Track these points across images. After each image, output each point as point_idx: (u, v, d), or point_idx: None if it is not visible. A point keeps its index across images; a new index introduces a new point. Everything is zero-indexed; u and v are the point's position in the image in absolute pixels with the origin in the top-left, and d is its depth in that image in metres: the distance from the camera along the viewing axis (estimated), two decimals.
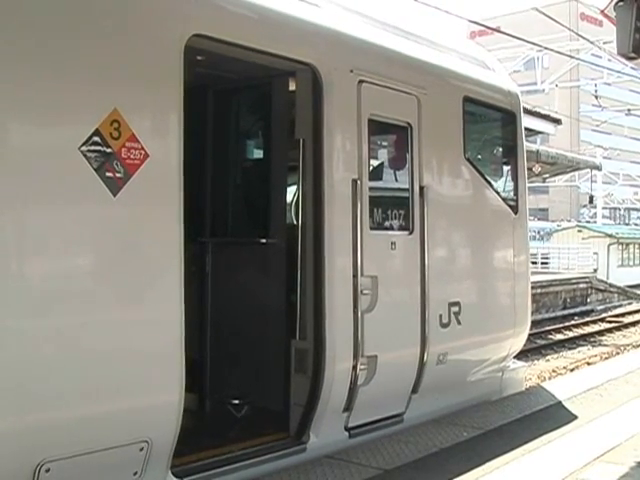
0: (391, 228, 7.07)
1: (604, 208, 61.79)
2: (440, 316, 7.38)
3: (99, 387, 4.66)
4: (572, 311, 28.45)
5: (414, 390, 7.23)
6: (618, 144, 73.16)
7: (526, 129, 10.21)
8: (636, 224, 70.03)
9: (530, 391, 9.30)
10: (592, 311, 29.40)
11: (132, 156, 4.80)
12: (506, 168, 9.09)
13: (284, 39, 6.10)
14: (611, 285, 34.02)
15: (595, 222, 57.00)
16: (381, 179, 7.35)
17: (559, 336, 21.93)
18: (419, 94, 7.17)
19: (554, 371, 16.15)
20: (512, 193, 8.89)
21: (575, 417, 7.57)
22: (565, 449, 6.50)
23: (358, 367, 6.42)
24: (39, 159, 4.45)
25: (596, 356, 18.44)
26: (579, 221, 59.56)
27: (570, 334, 22.39)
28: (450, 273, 7.75)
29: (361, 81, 6.56)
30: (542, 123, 23.07)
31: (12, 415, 4.30)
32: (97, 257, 4.77)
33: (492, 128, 9.25)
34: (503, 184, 8.96)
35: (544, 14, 20.60)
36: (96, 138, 4.63)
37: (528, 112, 18.71)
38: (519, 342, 8.90)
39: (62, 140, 4.58)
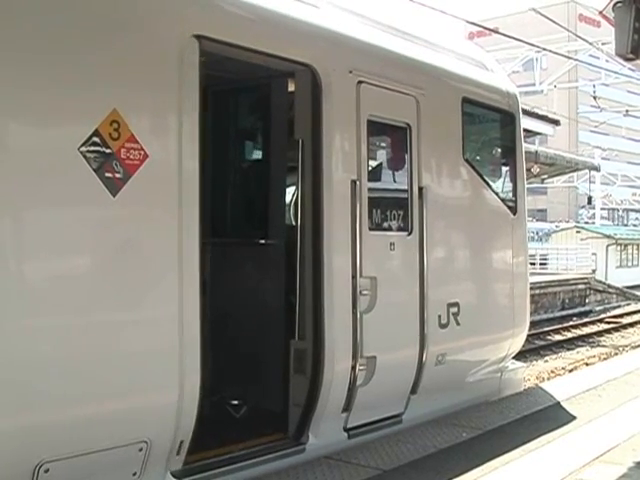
0: (390, 229, 7.07)
1: (602, 209, 61.80)
2: (439, 317, 7.39)
3: (98, 387, 4.66)
4: (571, 312, 28.48)
5: (413, 391, 7.23)
6: (616, 145, 73.23)
7: (525, 130, 10.20)
8: (634, 225, 70.05)
9: (529, 392, 9.29)
10: (590, 312, 29.43)
11: (131, 156, 4.81)
12: (505, 169, 9.10)
13: (283, 40, 6.11)
14: (609, 286, 34.02)
15: (593, 223, 56.98)
16: (380, 180, 7.35)
17: (558, 337, 21.92)
18: (418, 95, 7.18)
19: (553, 372, 16.14)
20: (511, 194, 8.90)
21: (574, 417, 7.58)
22: (564, 449, 6.50)
23: (357, 368, 6.43)
24: (39, 160, 4.45)
25: (595, 357, 18.44)
26: (577, 222, 59.54)
27: (569, 335, 22.39)
28: (449, 274, 7.75)
29: (360, 82, 6.57)
30: (541, 124, 23.05)
31: (11, 415, 4.30)
32: (96, 257, 4.77)
33: (491, 129, 9.25)
34: (502, 185, 8.96)
35: (543, 15, 20.58)
36: (95, 139, 4.63)
37: (527, 113, 18.72)
38: (518, 343, 8.91)
39: (62, 141, 4.58)
